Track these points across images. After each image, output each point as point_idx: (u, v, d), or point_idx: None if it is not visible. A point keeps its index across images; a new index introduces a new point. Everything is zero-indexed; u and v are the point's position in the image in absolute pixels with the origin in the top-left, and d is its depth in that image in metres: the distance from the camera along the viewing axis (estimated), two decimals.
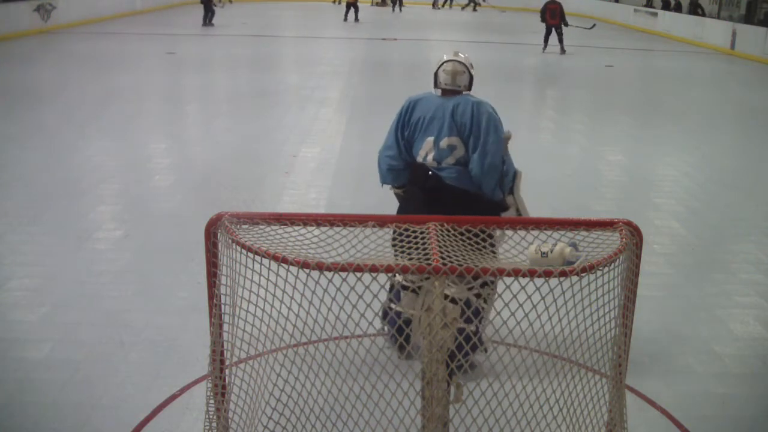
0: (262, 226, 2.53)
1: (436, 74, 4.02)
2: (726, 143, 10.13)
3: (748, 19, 23.58)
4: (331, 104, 11.65)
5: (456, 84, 3.97)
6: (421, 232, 2.54)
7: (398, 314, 3.39)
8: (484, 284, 3.40)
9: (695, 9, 25.09)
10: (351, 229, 2.58)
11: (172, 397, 3.70)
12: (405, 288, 3.56)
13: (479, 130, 3.81)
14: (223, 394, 2.57)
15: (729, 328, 4.69)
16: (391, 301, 3.71)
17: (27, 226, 6.04)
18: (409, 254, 2.41)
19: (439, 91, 4.03)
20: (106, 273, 5.18)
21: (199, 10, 23.33)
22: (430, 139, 3.87)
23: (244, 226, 2.50)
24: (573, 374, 2.62)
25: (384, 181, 4.12)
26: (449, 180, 3.85)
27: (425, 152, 3.89)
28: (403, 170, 3.99)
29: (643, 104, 13.13)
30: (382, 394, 2.57)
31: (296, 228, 2.55)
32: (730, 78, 17.14)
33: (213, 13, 23.20)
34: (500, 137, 3.88)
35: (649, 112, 12.15)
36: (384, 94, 12.82)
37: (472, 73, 4.05)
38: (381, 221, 2.57)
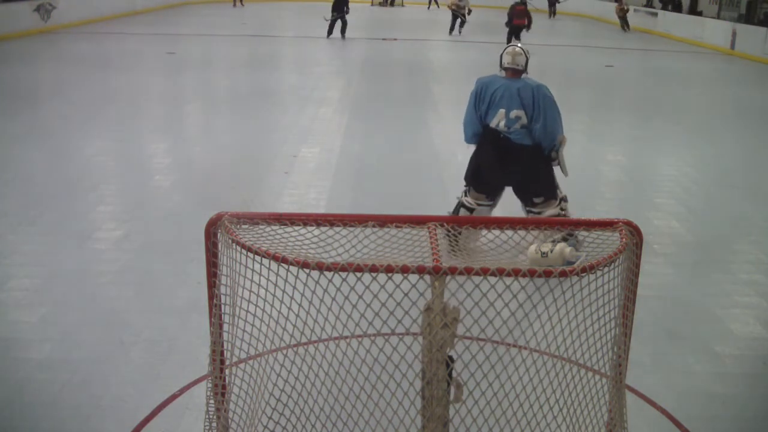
0: (262, 226, 2.52)
1: (501, 56, 5.32)
2: (726, 143, 10.12)
3: (748, 19, 23.57)
4: (331, 104, 11.64)
5: (516, 63, 5.25)
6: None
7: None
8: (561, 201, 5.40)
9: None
10: (351, 229, 2.58)
11: (172, 397, 3.70)
12: (465, 207, 5.48)
13: (539, 108, 5.14)
14: (223, 394, 2.57)
15: (729, 328, 4.69)
16: (454, 213, 5.45)
17: (27, 226, 6.04)
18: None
19: (503, 72, 5.32)
20: (106, 273, 5.18)
21: (199, 10, 23.30)
22: (502, 110, 5.18)
23: (244, 226, 2.49)
24: (573, 374, 2.62)
25: (469, 142, 5.51)
26: (516, 140, 5.20)
27: (498, 120, 5.21)
28: (482, 134, 5.36)
29: (643, 104, 13.13)
30: (382, 394, 2.57)
31: (296, 228, 2.54)
32: (730, 78, 17.14)
33: (464, 21, 22.54)
34: (557, 111, 5.24)
35: (649, 112, 12.15)
36: (384, 93, 12.82)
37: (528, 56, 5.33)
38: (381, 221, 2.56)
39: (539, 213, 5.32)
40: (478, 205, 5.45)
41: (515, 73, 5.26)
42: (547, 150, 5.29)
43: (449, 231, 2.56)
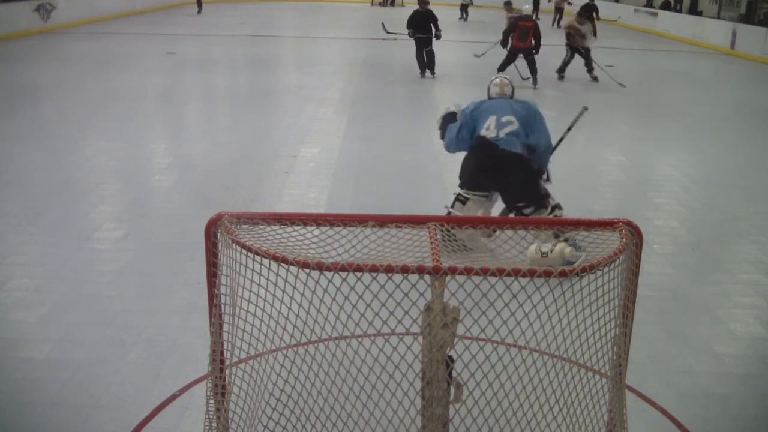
0: (262, 226, 2.53)
1: (488, 88, 5.81)
2: (726, 143, 10.12)
3: (748, 19, 23.57)
4: (331, 104, 11.64)
5: (504, 93, 5.72)
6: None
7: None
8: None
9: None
10: (351, 229, 2.58)
11: (172, 397, 3.70)
12: (459, 200, 5.47)
13: (534, 121, 5.35)
14: (223, 394, 2.57)
15: (729, 328, 4.69)
16: (451, 207, 5.52)
17: (27, 226, 6.04)
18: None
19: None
20: (106, 273, 5.18)
21: (194, 9, 23.24)
22: (493, 117, 5.31)
23: (244, 226, 2.49)
24: (573, 374, 2.62)
25: (449, 151, 5.78)
26: (503, 147, 5.20)
27: (488, 125, 5.29)
28: (464, 143, 5.50)
29: (643, 104, 13.13)
30: (382, 394, 2.57)
31: (296, 228, 2.54)
32: (730, 78, 17.13)
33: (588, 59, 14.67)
34: (546, 127, 5.46)
35: (649, 112, 12.15)
36: (384, 93, 12.82)
37: (514, 86, 5.82)
38: (381, 221, 2.56)
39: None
40: (474, 195, 5.41)
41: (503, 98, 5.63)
42: (543, 164, 5.53)
43: (446, 231, 2.56)
